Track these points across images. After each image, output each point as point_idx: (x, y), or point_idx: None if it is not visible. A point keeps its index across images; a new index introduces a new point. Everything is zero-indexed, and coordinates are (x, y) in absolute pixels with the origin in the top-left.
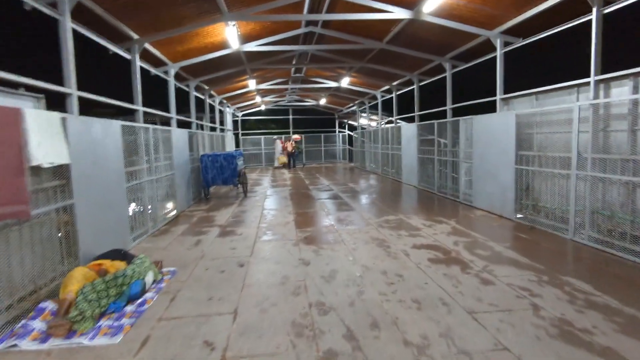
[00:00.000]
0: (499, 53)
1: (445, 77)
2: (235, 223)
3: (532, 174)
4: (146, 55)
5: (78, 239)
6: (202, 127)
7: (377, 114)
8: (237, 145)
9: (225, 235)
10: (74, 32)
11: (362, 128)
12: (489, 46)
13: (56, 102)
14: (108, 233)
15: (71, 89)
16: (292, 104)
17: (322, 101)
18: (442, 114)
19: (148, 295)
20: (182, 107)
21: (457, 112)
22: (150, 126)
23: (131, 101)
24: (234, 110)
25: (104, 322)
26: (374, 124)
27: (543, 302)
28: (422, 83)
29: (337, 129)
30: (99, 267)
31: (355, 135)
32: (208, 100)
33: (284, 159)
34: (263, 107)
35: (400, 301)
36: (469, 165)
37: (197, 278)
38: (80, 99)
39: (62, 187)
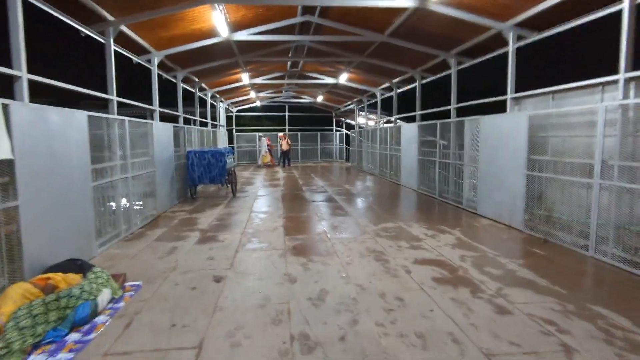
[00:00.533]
0: (511, 48)
1: (450, 74)
2: (218, 227)
3: (545, 182)
4: (126, 42)
5: (22, 248)
6: (192, 122)
7: (375, 112)
8: (231, 142)
9: (205, 242)
10: (33, 8)
11: (360, 127)
12: (499, 41)
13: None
14: (67, 239)
15: (20, 71)
16: (289, 100)
17: (320, 98)
18: (445, 114)
19: (100, 319)
20: (169, 100)
21: (461, 113)
22: (126, 118)
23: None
24: (228, 105)
25: (35, 358)
26: (372, 123)
27: (575, 342)
28: (425, 81)
29: (334, 128)
30: (45, 282)
31: (352, 134)
32: (198, 94)
33: (269, 157)
34: (258, 103)
35: (401, 335)
36: (474, 169)
37: (163, 296)
38: (67, 91)
39: (3, 186)
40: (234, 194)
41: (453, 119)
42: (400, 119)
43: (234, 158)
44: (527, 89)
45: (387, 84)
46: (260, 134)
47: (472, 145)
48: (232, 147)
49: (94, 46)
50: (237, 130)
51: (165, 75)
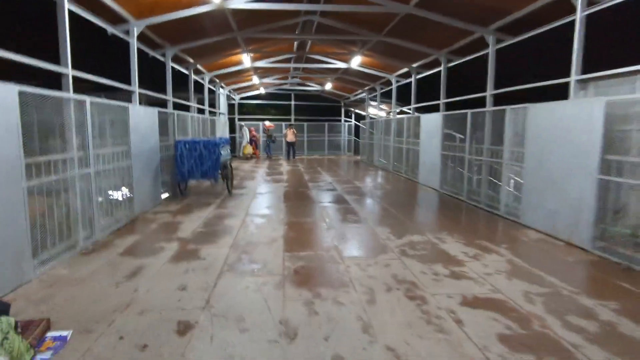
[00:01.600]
0: (579, 15)
1: (485, 54)
2: (203, 236)
3: (628, 190)
4: (96, 7)
5: None
6: (186, 108)
7: (388, 102)
8: (233, 131)
9: (181, 259)
10: None
11: (371, 118)
12: (557, 9)
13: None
14: None
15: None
16: (295, 88)
17: (328, 86)
18: (473, 104)
19: None
20: (156, 82)
21: (497, 101)
22: (88, 99)
23: (66, 64)
24: (230, 92)
25: None
26: (384, 114)
27: None
28: (452, 64)
29: (342, 118)
30: None
31: (362, 126)
32: (194, 77)
33: (250, 149)
34: (263, 91)
35: None
36: (517, 169)
37: None
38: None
39: None
40: (230, 190)
41: (489, 107)
42: (419, 109)
43: (230, 149)
44: (597, 69)
45: (404, 70)
46: (242, 123)
47: (515, 140)
48: (231, 137)
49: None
50: (240, 119)
51: (152, 53)
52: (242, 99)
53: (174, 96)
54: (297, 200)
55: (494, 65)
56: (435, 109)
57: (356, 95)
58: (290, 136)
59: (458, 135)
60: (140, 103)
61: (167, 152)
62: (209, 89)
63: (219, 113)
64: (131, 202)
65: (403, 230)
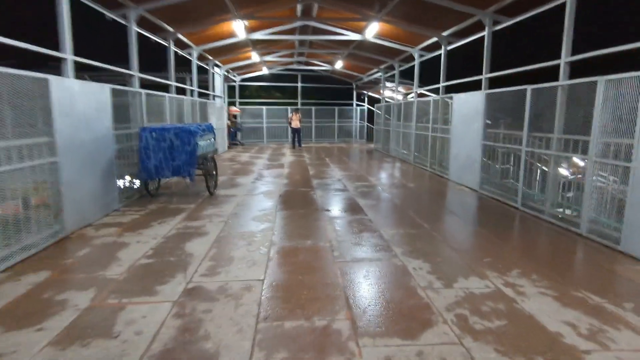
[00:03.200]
0: None
1: (559, 4)
2: (141, 277)
3: None
4: None
5: None
6: (165, 89)
7: (409, 83)
8: (233, 116)
9: (77, 338)
10: None
11: (387, 101)
12: None
13: None
14: None
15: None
16: (302, 68)
17: (338, 65)
18: (532, 78)
19: None
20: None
21: (542, 76)
22: None
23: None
24: (228, 72)
25: None
26: (401, 96)
27: None
28: (499, 27)
29: (354, 102)
30: None
31: (377, 110)
32: (175, 49)
33: None
34: (266, 71)
35: None
36: (613, 171)
37: None
38: None
39: None
40: (211, 191)
41: (562, 81)
42: (450, 89)
43: (214, 138)
44: None
45: (432, 40)
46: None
47: (611, 128)
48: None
49: None
50: (240, 104)
51: (108, 14)
52: (243, 80)
53: (151, 74)
54: (296, 206)
55: (573, 17)
56: (470, 88)
57: (370, 75)
58: (295, 122)
59: (502, 120)
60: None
61: (126, 142)
62: (200, 67)
63: (213, 95)
64: (58, 216)
65: (449, 267)
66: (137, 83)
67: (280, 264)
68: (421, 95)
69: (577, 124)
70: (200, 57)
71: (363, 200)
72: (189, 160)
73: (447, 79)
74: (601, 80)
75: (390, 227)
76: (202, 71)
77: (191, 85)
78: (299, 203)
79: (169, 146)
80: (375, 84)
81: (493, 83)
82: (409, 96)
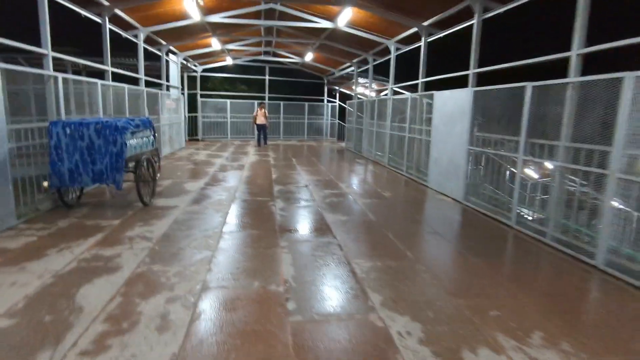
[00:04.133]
0: None
1: None
2: None
3: None
4: None
5: None
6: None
7: (383, 80)
8: (193, 109)
9: None
10: None
11: (359, 98)
12: None
13: None
14: None
15: None
16: (270, 59)
17: (309, 57)
18: (527, 74)
19: None
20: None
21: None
22: None
23: None
24: (187, 60)
25: None
26: (374, 94)
27: None
28: (490, 14)
29: (325, 98)
30: None
31: (350, 108)
32: (109, 27)
33: None
34: (230, 62)
35: None
36: (637, 189)
37: None
38: None
39: None
40: (144, 200)
41: (573, 78)
42: (429, 85)
43: (154, 135)
44: None
45: (411, 30)
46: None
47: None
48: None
49: None
50: (202, 96)
51: None
52: (205, 71)
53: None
54: (249, 224)
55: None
56: (452, 86)
57: (342, 70)
58: (260, 117)
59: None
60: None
61: (40, 139)
62: (151, 53)
63: (167, 86)
64: None
65: (448, 329)
66: (50, 64)
67: (207, 329)
68: (396, 93)
69: (589, 130)
70: (151, 41)
71: (332, 215)
72: (115, 164)
73: (427, 74)
74: (630, 77)
75: (365, 256)
76: (153, 58)
77: (137, 73)
78: (253, 219)
79: (87, 146)
80: (347, 80)
81: (480, 81)
82: (382, 93)
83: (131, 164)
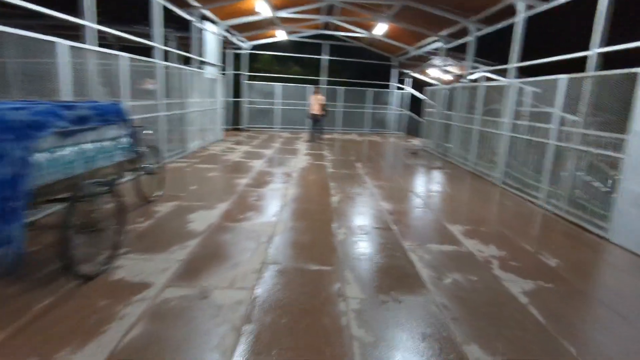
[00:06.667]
0: None
1: None
2: None
3: None
4: None
5: None
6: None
7: (490, 62)
8: (237, 94)
9: None
10: None
11: (444, 84)
12: None
13: None
14: None
15: None
16: (329, 33)
17: (380, 29)
18: None
19: None
20: None
21: None
22: None
23: None
24: (231, 32)
25: None
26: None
27: None
28: None
29: (394, 84)
30: None
31: (428, 97)
32: None
33: None
34: (283, 36)
35: None
36: None
37: None
38: None
39: None
40: (79, 271)
41: None
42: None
43: (133, 135)
44: None
45: None
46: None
47: None
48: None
49: None
50: (249, 78)
51: None
52: (255, 48)
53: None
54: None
55: None
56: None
57: (421, 47)
58: (315, 106)
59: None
60: None
61: None
62: (177, 17)
63: (201, 61)
64: None
65: None
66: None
67: None
68: (489, 79)
69: None
70: (179, 2)
71: (438, 288)
72: (4, 202)
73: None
74: None
75: None
76: (183, 26)
77: (151, 41)
78: (293, 344)
79: None
80: (426, 58)
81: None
82: (465, 79)
83: (59, 194)
